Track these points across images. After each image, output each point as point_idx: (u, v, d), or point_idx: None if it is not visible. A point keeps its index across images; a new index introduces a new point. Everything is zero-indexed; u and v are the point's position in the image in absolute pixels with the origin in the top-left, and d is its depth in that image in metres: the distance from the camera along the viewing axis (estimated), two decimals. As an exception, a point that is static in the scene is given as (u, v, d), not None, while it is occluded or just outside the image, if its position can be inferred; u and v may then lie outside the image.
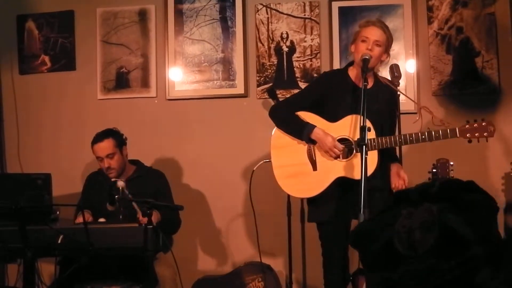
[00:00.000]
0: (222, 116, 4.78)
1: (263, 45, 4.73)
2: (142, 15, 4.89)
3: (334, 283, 3.58)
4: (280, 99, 4.35)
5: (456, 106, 4.47)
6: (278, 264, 4.55)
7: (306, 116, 3.55)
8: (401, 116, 3.63)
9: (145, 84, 4.87)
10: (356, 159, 3.33)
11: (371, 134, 3.26)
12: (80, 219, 3.51)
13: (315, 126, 3.46)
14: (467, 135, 3.28)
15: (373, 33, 3.39)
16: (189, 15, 4.82)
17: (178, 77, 4.81)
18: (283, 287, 4.46)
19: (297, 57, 4.69)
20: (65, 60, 4.96)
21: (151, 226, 3.25)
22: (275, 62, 4.72)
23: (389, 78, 3.66)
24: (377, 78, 3.55)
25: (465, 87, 4.46)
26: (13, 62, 5.00)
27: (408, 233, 1.24)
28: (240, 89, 4.73)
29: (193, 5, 4.82)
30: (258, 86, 4.72)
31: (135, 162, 4.18)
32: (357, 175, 3.26)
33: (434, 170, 3.56)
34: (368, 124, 3.10)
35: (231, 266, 4.61)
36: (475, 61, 4.47)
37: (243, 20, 4.75)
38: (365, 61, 3.30)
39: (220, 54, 4.78)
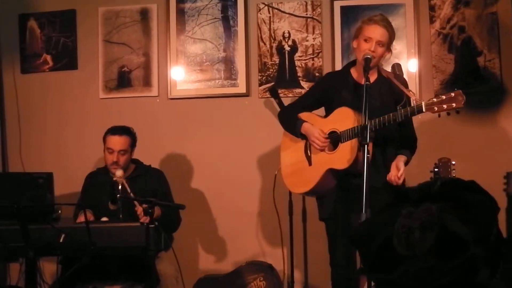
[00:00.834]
0: (223, 115, 4.78)
1: (265, 44, 4.73)
2: (144, 14, 4.89)
3: (339, 280, 3.58)
4: (282, 99, 4.37)
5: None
6: (279, 263, 4.55)
7: (304, 115, 3.61)
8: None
9: (147, 83, 4.87)
10: (342, 149, 3.37)
11: (349, 125, 3.33)
12: (81, 219, 3.51)
13: (305, 121, 3.52)
14: (435, 108, 3.07)
15: (376, 33, 3.36)
16: (191, 14, 4.82)
17: (180, 76, 4.81)
18: (284, 287, 4.46)
19: (299, 56, 4.69)
20: (67, 59, 4.96)
21: (153, 225, 3.25)
22: (277, 61, 4.71)
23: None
24: (380, 74, 3.54)
25: (467, 86, 4.44)
26: (15, 61, 5.00)
27: (407, 233, 1.24)
28: (242, 88, 4.73)
29: (195, 4, 4.82)
30: (260, 85, 4.72)
31: (134, 161, 4.17)
32: (342, 164, 3.34)
33: (436, 170, 3.55)
34: (345, 122, 3.12)
35: (232, 266, 4.60)
36: (477, 61, 4.47)
37: (245, 19, 4.75)
38: (367, 61, 3.30)
39: (222, 53, 4.78)
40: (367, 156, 2.98)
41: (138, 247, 3.24)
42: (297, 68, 4.68)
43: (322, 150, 3.46)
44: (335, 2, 4.64)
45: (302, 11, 4.69)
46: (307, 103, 3.67)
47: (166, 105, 4.84)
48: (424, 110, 3.11)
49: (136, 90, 4.88)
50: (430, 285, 1.20)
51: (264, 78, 4.72)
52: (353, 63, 3.59)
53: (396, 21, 4.51)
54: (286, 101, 4.42)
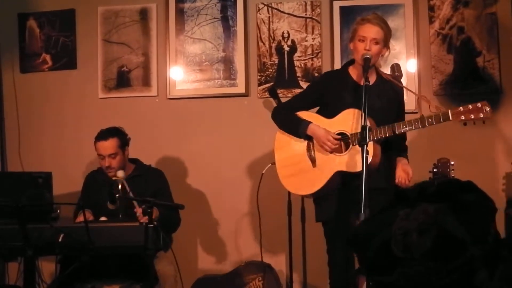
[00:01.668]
0: (223, 115, 4.78)
1: (264, 44, 4.73)
2: (143, 14, 4.89)
3: (338, 280, 3.58)
4: (281, 98, 4.36)
5: (457, 106, 4.44)
6: (278, 263, 4.55)
7: (304, 115, 3.57)
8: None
9: (146, 83, 4.87)
10: (354, 152, 3.32)
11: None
12: (81, 218, 3.51)
13: (310, 122, 3.48)
14: (461, 117, 3.15)
15: (370, 32, 3.35)
16: (190, 14, 4.82)
17: (179, 76, 4.81)
18: (283, 287, 4.45)
19: (298, 56, 4.69)
20: (66, 58, 4.96)
21: (151, 225, 3.25)
22: (276, 62, 4.71)
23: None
24: (379, 75, 3.54)
25: (466, 87, 4.45)
26: (14, 60, 5.01)
27: (405, 235, 1.24)
28: (241, 88, 4.73)
29: (194, 4, 4.82)
30: (259, 85, 4.72)
31: (134, 161, 4.18)
32: (354, 167, 3.28)
33: (435, 170, 3.56)
34: (369, 124, 3.09)
35: (231, 265, 4.61)
36: (476, 61, 4.47)
37: (244, 19, 4.75)
38: (366, 60, 3.29)
39: (221, 53, 4.78)
40: (366, 157, 2.97)
41: (137, 246, 3.23)
42: (296, 68, 4.68)
43: (332, 152, 3.43)
44: (334, 2, 4.64)
45: (302, 11, 4.69)
46: (305, 102, 3.62)
47: (165, 105, 4.84)
48: (450, 118, 3.16)
49: (135, 90, 4.88)
50: (428, 287, 1.20)
51: (263, 78, 4.72)
52: (351, 63, 3.57)
53: (395, 22, 4.52)
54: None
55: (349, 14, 4.61)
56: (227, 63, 4.77)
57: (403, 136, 3.56)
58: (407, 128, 3.24)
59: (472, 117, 3.14)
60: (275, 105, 4.36)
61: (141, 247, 3.21)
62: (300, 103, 3.63)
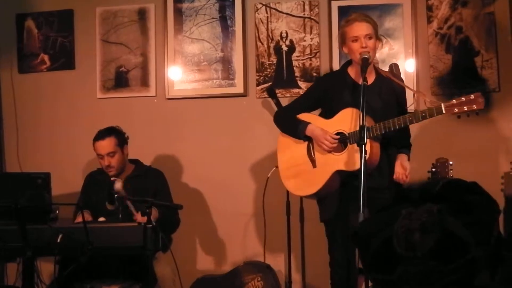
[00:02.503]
0: (221, 115, 4.78)
1: (262, 44, 4.73)
2: (142, 14, 4.89)
3: (339, 280, 3.58)
4: (280, 98, 4.37)
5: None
6: (277, 264, 4.55)
7: (304, 116, 3.58)
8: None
9: (144, 83, 4.87)
10: (352, 151, 3.33)
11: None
12: (79, 219, 3.51)
13: (309, 123, 3.49)
14: (455, 110, 3.09)
15: (360, 30, 3.36)
16: (188, 14, 4.82)
17: (178, 76, 4.81)
18: (282, 287, 4.46)
19: (297, 56, 4.69)
20: (64, 59, 4.96)
21: (150, 225, 3.25)
22: (275, 61, 4.71)
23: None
24: (378, 73, 3.54)
25: (464, 86, 4.45)
26: (12, 61, 5.00)
27: (407, 234, 1.24)
28: (239, 88, 4.73)
29: (192, 4, 4.82)
30: (258, 85, 4.72)
31: (134, 161, 4.19)
32: (353, 166, 3.28)
33: (433, 170, 3.56)
34: (358, 123, 3.09)
35: (230, 266, 4.61)
36: (474, 61, 4.47)
37: (242, 19, 4.75)
38: (365, 60, 3.29)
39: (220, 53, 4.78)
40: (364, 156, 2.97)
41: (136, 247, 3.24)
42: (294, 68, 4.68)
43: (330, 152, 3.44)
44: (332, 2, 4.64)
45: (300, 11, 4.70)
46: (306, 104, 3.64)
47: (163, 105, 4.83)
48: (444, 111, 3.11)
49: (133, 90, 4.87)
50: (430, 286, 1.20)
51: (261, 78, 4.72)
52: (350, 63, 3.58)
53: (393, 21, 4.52)
54: (284, 101, 4.42)
55: (347, 14, 4.58)
56: (226, 63, 4.77)
57: (404, 133, 3.55)
58: (402, 124, 3.21)
59: (465, 109, 3.09)
60: (273, 105, 4.37)
61: (139, 248, 3.21)
62: (301, 106, 3.65)
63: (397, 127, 3.24)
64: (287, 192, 4.23)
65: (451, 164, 3.51)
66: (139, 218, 3.49)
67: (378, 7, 4.53)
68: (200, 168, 4.78)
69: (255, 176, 4.70)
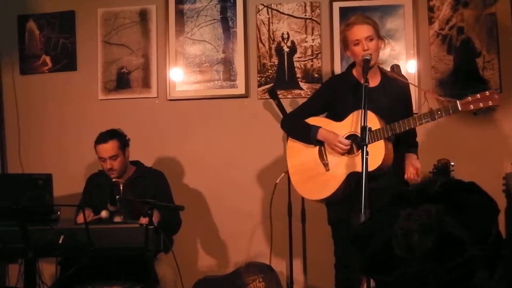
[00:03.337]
0: (223, 117, 4.78)
1: (264, 45, 4.73)
2: (143, 16, 4.89)
3: (344, 282, 3.57)
4: (281, 100, 4.37)
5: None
6: (279, 265, 4.54)
7: (313, 120, 3.58)
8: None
9: (146, 84, 4.87)
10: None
11: (375, 126, 3.26)
12: (80, 218, 3.51)
13: (320, 127, 3.49)
14: (470, 107, 3.11)
15: (361, 32, 3.37)
16: (190, 16, 4.83)
17: (179, 77, 4.81)
18: (284, 288, 4.46)
19: (298, 57, 4.69)
20: (66, 60, 4.96)
21: (152, 226, 3.25)
22: (276, 63, 4.72)
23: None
24: (383, 73, 3.54)
25: (466, 87, 4.45)
26: (14, 62, 5.00)
27: (406, 235, 1.24)
28: (241, 90, 4.73)
29: (194, 5, 4.82)
30: (259, 86, 4.72)
31: (135, 163, 4.18)
32: (368, 167, 3.28)
33: (435, 171, 3.55)
34: (370, 124, 3.09)
35: (231, 267, 4.60)
36: (476, 62, 4.47)
37: (244, 21, 4.75)
38: (366, 61, 3.30)
39: (221, 55, 4.78)
40: (366, 158, 2.96)
41: (137, 248, 3.24)
42: (296, 69, 4.68)
43: (343, 155, 3.43)
44: (334, 3, 4.64)
45: (301, 12, 4.70)
46: (315, 108, 3.63)
47: (165, 106, 4.84)
48: (460, 108, 3.13)
49: (135, 91, 4.88)
50: (428, 286, 1.20)
51: (263, 79, 4.72)
52: (355, 65, 3.58)
53: (395, 22, 4.52)
54: (285, 102, 4.43)
55: (348, 15, 4.59)
56: (227, 64, 4.77)
57: (412, 132, 3.55)
58: (418, 123, 3.22)
59: (481, 105, 3.10)
60: (275, 106, 4.38)
61: (141, 249, 3.22)
62: (309, 110, 3.64)
63: (413, 126, 3.26)
64: (289, 193, 4.24)
65: (453, 165, 3.50)
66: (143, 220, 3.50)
67: (379, 8, 4.53)
68: (201, 169, 4.78)
69: (256, 176, 4.69)
